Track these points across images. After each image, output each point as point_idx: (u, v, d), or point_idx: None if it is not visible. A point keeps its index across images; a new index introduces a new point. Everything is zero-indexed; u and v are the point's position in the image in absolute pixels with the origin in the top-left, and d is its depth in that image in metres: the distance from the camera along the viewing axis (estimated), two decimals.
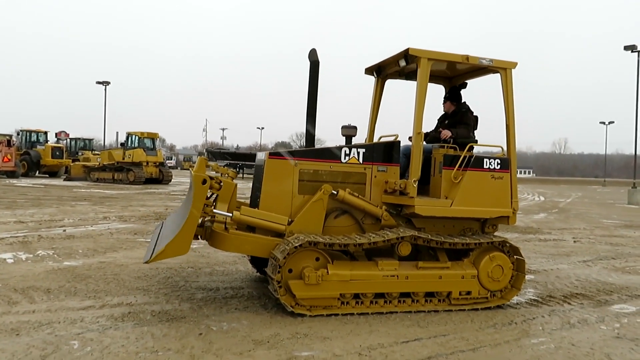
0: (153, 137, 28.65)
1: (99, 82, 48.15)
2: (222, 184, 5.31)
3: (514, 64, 5.79)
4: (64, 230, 9.46)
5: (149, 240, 8.77)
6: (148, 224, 10.94)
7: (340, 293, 4.97)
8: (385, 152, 5.67)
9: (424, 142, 6.21)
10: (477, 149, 6.05)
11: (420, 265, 5.26)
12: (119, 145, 29.59)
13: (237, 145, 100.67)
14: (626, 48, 28.53)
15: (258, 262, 6.24)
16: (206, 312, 4.83)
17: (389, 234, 5.16)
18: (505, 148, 5.85)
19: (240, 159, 45.38)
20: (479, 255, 5.51)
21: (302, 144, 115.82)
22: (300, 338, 4.24)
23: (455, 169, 5.54)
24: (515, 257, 5.60)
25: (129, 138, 28.34)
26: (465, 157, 5.56)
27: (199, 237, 5.38)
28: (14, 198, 16.22)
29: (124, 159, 27.66)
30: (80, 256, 7.21)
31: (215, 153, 47.36)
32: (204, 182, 4.31)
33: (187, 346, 3.95)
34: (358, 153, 5.57)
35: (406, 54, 5.54)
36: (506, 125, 5.83)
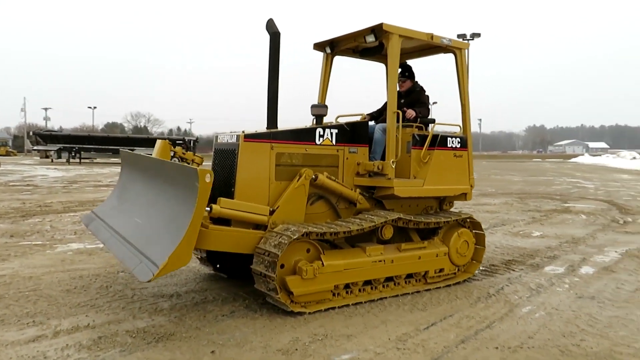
0: None
1: None
2: None
3: (467, 45, 5.95)
4: None
5: (40, 242, 7.32)
6: (17, 223, 9.08)
7: (335, 285, 4.65)
8: (356, 133, 5.41)
9: (373, 122, 6.14)
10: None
11: (402, 247, 5.17)
12: None
13: (61, 127, 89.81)
14: (459, 36, 31.97)
15: (214, 259, 5.54)
16: (192, 324, 4.12)
17: (376, 218, 4.96)
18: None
19: (76, 142, 40.55)
20: (447, 233, 5.62)
21: (137, 124, 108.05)
22: (324, 339, 3.85)
23: (424, 149, 5.53)
24: (475, 231, 5.85)
25: None
26: (433, 136, 5.58)
27: None
28: None
29: None
30: None
31: (44, 136, 41.62)
32: (208, 178, 3.55)
33: None
34: (331, 134, 5.23)
35: (375, 29, 5.31)
36: (462, 104, 5.99)
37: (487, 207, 12.98)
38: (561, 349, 3.75)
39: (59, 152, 41.44)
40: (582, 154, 78.18)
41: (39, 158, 48.72)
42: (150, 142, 40.04)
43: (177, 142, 38.38)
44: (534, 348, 3.78)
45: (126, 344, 3.67)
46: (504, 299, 5.05)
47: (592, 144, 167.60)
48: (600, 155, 67.90)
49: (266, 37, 4.95)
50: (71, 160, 40.32)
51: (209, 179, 3.54)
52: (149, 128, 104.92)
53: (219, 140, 5.09)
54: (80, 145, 40.35)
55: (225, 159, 4.89)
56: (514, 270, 6.27)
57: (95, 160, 43.94)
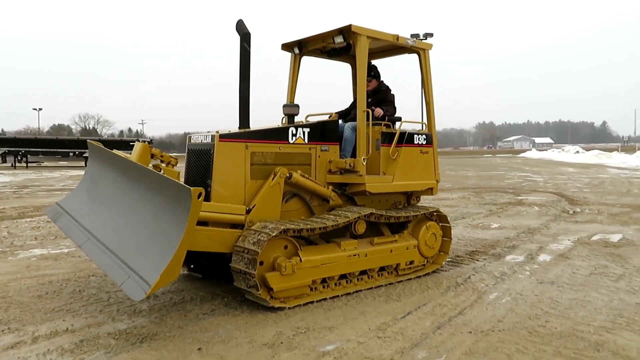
0: None
1: None
2: (162, 172, 4.55)
3: (431, 46, 6.19)
4: None
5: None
6: None
7: (312, 279, 4.77)
8: (327, 131, 5.54)
9: (341, 121, 6.29)
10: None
11: (375, 241, 5.35)
12: None
13: (3, 130, 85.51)
14: (412, 36, 32.69)
15: (188, 259, 5.54)
16: (174, 324, 4.14)
17: (350, 214, 5.11)
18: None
19: (22, 145, 38.82)
20: (416, 226, 5.84)
21: (86, 126, 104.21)
22: (306, 332, 3.96)
23: (393, 146, 5.72)
24: (442, 224, 6.10)
25: None
26: (400, 134, 5.78)
27: None
28: None
29: None
30: None
31: None
32: (200, 195, 3.53)
33: None
34: (304, 133, 5.34)
35: (344, 31, 5.46)
36: (426, 102, 6.23)
37: (445, 202, 13.41)
38: (529, 330, 4.01)
39: (3, 156, 39.57)
40: (530, 149, 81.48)
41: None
42: (102, 145, 38.76)
43: (131, 143, 37.40)
44: (504, 330, 4.02)
45: (110, 346, 3.65)
46: (471, 287, 5.31)
47: (538, 139, 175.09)
48: (546, 149, 71.05)
49: (234, 38, 4.99)
50: (17, 164, 38.62)
51: (200, 197, 3.52)
52: (98, 130, 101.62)
53: (192, 141, 5.10)
54: (27, 149, 38.66)
55: (200, 159, 4.91)
56: (478, 260, 6.57)
57: (42, 164, 42.24)
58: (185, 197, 3.51)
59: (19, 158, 38.65)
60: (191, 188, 3.43)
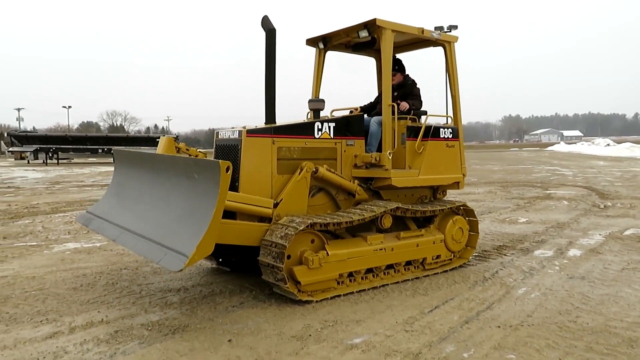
0: None
1: None
2: None
3: (456, 38, 6.13)
4: None
5: (35, 243, 7.30)
6: (7, 225, 9.00)
7: (339, 273, 4.80)
8: (352, 126, 5.55)
9: (367, 115, 6.28)
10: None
11: (401, 236, 5.34)
12: None
13: (34, 127, 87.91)
14: (436, 28, 32.29)
15: (216, 253, 5.63)
16: (205, 316, 4.23)
17: (376, 208, 5.12)
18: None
19: (53, 142, 39.84)
20: (442, 220, 5.81)
21: (113, 123, 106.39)
22: (334, 325, 4.00)
23: (419, 140, 5.70)
24: (468, 218, 6.05)
25: None
26: (426, 128, 5.75)
27: None
28: None
29: None
30: None
31: (20, 137, 40.77)
32: (228, 169, 3.62)
33: (232, 356, 3.41)
34: (329, 127, 5.36)
35: (368, 25, 5.45)
36: (452, 95, 6.18)
37: (471, 197, 13.27)
38: (559, 326, 3.96)
39: (35, 153, 40.73)
40: (558, 142, 79.86)
41: (13, 160, 47.68)
42: (129, 141, 39.60)
43: (157, 139, 38.04)
44: (533, 325, 3.98)
45: (144, 337, 3.76)
46: (499, 281, 5.27)
47: (566, 132, 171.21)
48: (575, 143, 69.52)
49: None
50: (48, 161, 39.67)
51: (229, 170, 3.62)
52: (125, 126, 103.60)
53: (220, 137, 5.18)
54: (58, 146, 39.66)
55: (228, 154, 4.98)
56: (505, 255, 6.50)
57: (73, 161, 43.29)
58: (214, 172, 3.61)
59: (50, 155, 39.73)
60: (219, 161, 3.52)
